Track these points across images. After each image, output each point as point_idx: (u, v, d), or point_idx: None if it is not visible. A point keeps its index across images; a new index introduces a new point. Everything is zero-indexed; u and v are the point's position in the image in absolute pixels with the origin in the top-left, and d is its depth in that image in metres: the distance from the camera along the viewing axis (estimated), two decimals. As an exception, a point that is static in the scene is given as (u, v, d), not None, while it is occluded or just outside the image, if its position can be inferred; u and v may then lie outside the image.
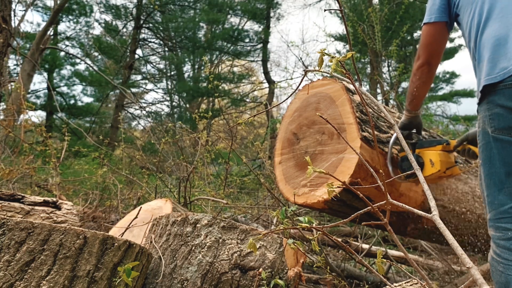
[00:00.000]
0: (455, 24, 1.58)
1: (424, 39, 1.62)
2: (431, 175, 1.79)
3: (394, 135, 1.86)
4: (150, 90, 15.92)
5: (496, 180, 1.21)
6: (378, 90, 9.91)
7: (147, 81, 15.91)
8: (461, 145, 1.79)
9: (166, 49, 15.76)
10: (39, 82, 21.53)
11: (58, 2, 8.21)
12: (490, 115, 1.23)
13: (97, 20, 16.88)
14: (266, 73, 15.20)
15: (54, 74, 13.17)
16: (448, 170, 1.79)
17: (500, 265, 1.18)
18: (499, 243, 1.20)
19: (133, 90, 14.70)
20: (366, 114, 1.92)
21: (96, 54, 13.63)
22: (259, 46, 15.37)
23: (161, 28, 15.04)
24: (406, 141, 1.87)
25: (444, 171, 1.77)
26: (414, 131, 1.88)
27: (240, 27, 15.53)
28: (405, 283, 1.50)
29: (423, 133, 1.98)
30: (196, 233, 1.42)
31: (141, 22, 14.39)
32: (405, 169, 1.82)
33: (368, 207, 0.88)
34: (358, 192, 0.88)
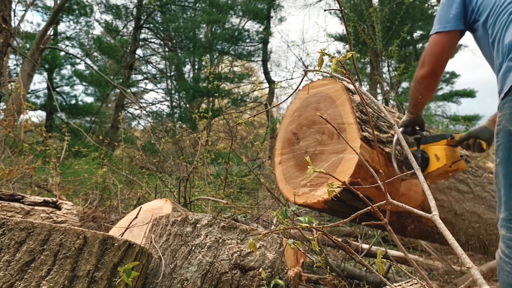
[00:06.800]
0: (467, 31, 1.54)
1: (434, 47, 1.58)
2: (437, 169, 1.77)
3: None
4: (150, 90, 15.92)
5: None
6: (378, 90, 9.92)
7: (147, 81, 15.92)
8: (466, 140, 1.77)
9: (167, 49, 15.76)
10: (39, 82, 21.49)
11: (58, 2, 8.21)
12: None
13: (97, 20, 16.88)
14: (266, 73, 15.21)
15: (54, 74, 13.15)
16: (453, 164, 1.76)
17: (508, 266, 1.16)
18: (509, 244, 1.17)
19: (133, 90, 14.70)
20: (366, 114, 1.92)
21: (96, 54, 13.64)
22: (260, 46, 15.37)
23: (161, 28, 15.04)
24: (411, 137, 1.87)
25: (450, 165, 1.75)
26: (417, 128, 1.87)
27: (240, 27, 15.54)
28: (405, 283, 1.50)
29: (424, 132, 1.98)
30: (196, 233, 1.42)
31: (142, 22, 14.39)
32: (410, 166, 1.80)
33: (368, 207, 0.88)
34: (358, 192, 0.88)
